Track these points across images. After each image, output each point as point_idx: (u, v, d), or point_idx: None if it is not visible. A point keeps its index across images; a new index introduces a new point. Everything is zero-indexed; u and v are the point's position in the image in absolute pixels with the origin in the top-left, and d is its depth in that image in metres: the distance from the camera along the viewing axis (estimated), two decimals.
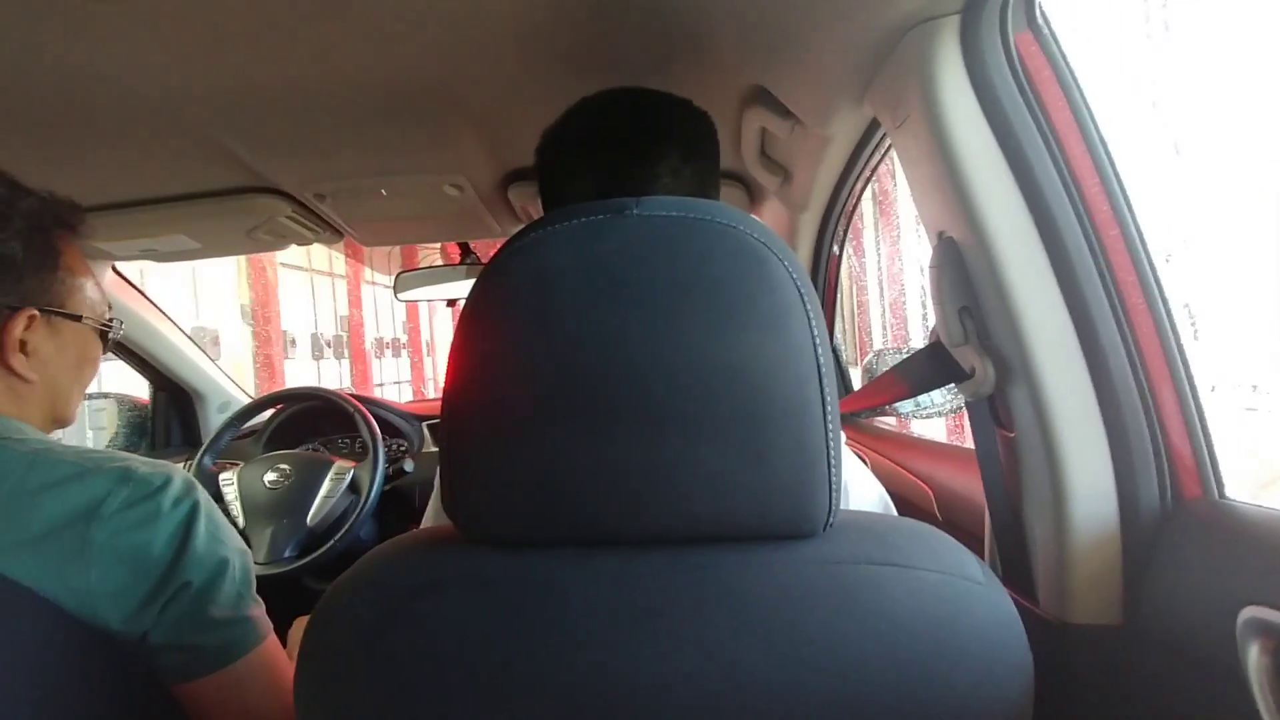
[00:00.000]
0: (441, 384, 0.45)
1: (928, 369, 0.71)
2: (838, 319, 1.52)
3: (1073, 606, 0.60)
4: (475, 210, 1.26)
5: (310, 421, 1.65)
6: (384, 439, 1.42)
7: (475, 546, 0.44)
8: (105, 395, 1.77)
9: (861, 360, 1.18)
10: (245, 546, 0.66)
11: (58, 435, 0.71)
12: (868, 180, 1.13)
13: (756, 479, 0.40)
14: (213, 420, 1.75)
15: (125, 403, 1.76)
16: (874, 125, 0.86)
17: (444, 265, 1.65)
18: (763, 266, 0.40)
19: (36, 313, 0.63)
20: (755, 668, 0.40)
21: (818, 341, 0.41)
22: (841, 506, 0.43)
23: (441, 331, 10.01)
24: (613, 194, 0.45)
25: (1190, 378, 0.59)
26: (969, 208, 0.61)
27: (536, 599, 0.41)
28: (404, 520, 1.48)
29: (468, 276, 1.61)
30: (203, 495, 0.63)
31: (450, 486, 0.44)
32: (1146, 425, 0.58)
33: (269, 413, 1.65)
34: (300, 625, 0.82)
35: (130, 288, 1.57)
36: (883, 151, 0.98)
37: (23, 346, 0.63)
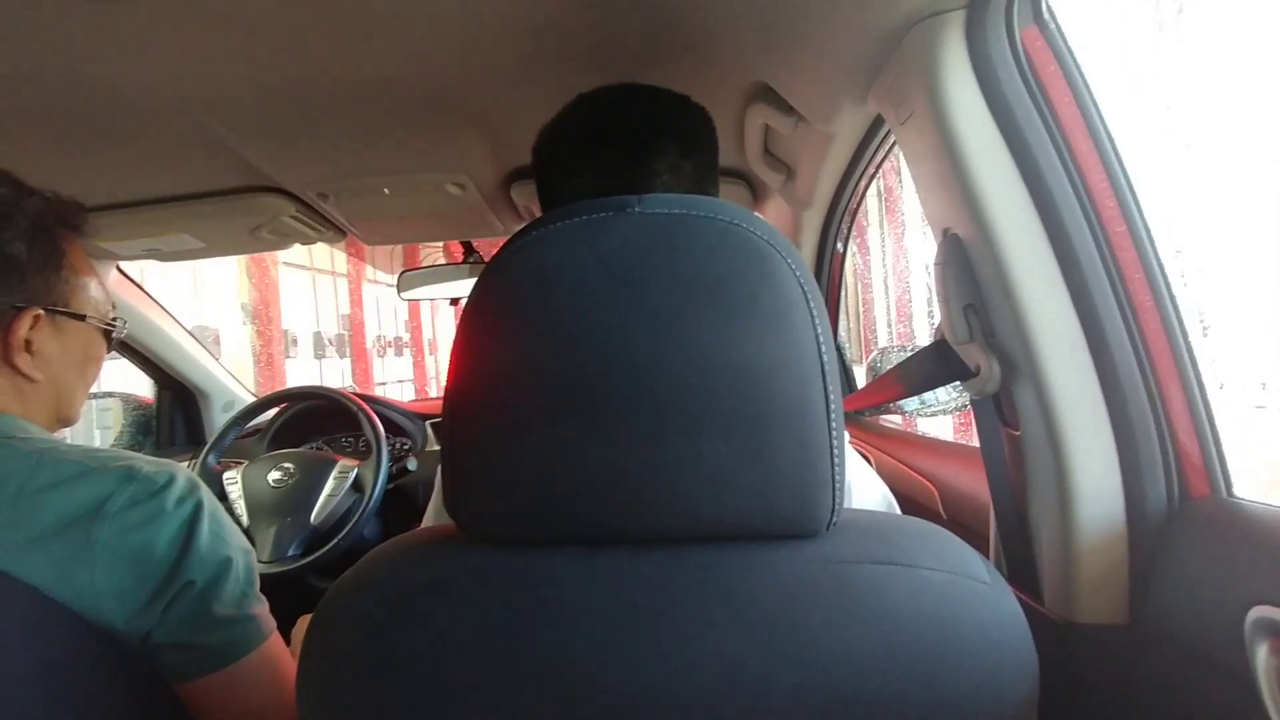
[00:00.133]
0: (444, 382, 0.44)
1: (932, 367, 0.71)
2: (842, 317, 1.52)
3: (1078, 606, 0.59)
4: (478, 209, 1.26)
5: (314, 420, 1.66)
6: (387, 438, 1.43)
7: (477, 545, 0.44)
8: (110, 394, 1.78)
9: (866, 358, 1.17)
10: (249, 545, 0.66)
11: (64, 435, 0.71)
12: (872, 177, 1.12)
13: (759, 478, 0.40)
14: (217, 419, 1.76)
15: (130, 402, 1.77)
16: (878, 121, 0.86)
17: (446, 264, 1.66)
18: (766, 264, 0.40)
19: (41, 312, 0.64)
20: (757, 667, 0.39)
21: (821, 340, 0.40)
22: (845, 506, 0.43)
23: (444, 330, 10.02)
24: (612, 191, 0.45)
25: (1198, 375, 0.58)
26: (974, 204, 0.60)
27: (538, 598, 0.41)
28: (407, 519, 1.48)
29: (470, 275, 1.61)
30: (206, 494, 0.63)
31: (452, 485, 0.43)
32: (1154, 423, 0.58)
33: (273, 412, 1.66)
34: (304, 624, 0.82)
35: (134, 287, 1.57)
36: (887, 148, 0.98)
37: (27, 346, 0.63)
